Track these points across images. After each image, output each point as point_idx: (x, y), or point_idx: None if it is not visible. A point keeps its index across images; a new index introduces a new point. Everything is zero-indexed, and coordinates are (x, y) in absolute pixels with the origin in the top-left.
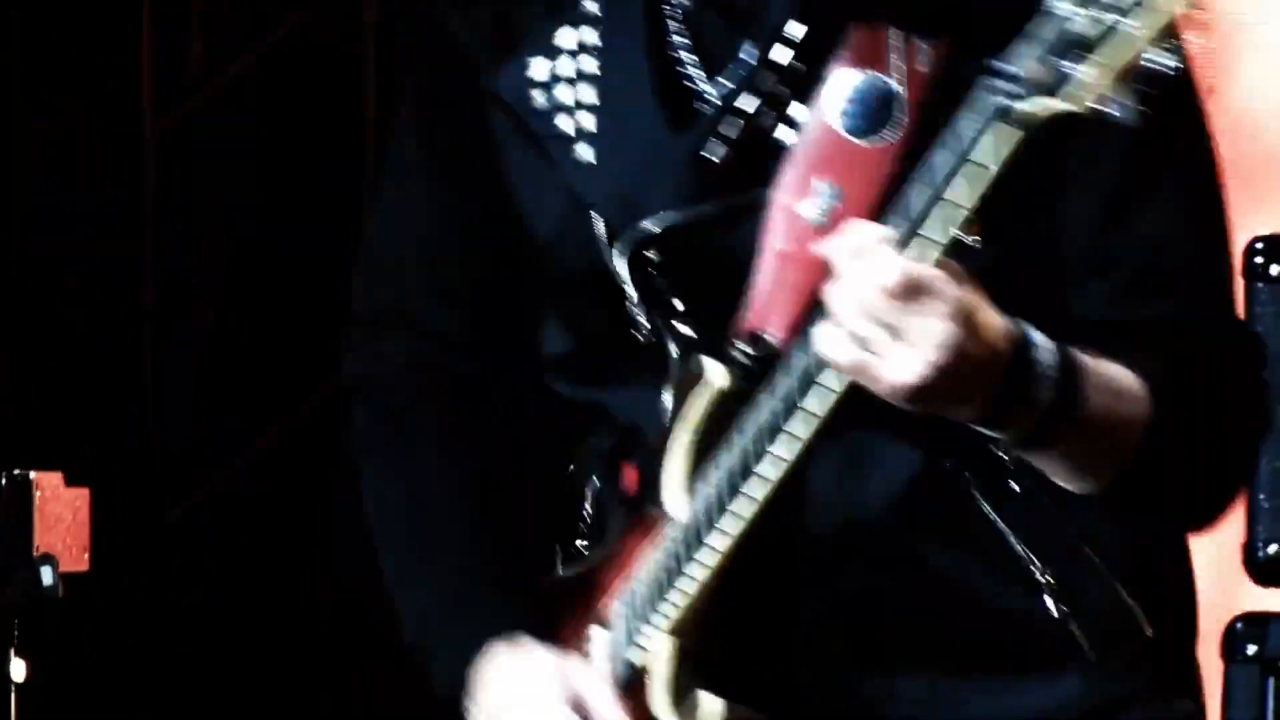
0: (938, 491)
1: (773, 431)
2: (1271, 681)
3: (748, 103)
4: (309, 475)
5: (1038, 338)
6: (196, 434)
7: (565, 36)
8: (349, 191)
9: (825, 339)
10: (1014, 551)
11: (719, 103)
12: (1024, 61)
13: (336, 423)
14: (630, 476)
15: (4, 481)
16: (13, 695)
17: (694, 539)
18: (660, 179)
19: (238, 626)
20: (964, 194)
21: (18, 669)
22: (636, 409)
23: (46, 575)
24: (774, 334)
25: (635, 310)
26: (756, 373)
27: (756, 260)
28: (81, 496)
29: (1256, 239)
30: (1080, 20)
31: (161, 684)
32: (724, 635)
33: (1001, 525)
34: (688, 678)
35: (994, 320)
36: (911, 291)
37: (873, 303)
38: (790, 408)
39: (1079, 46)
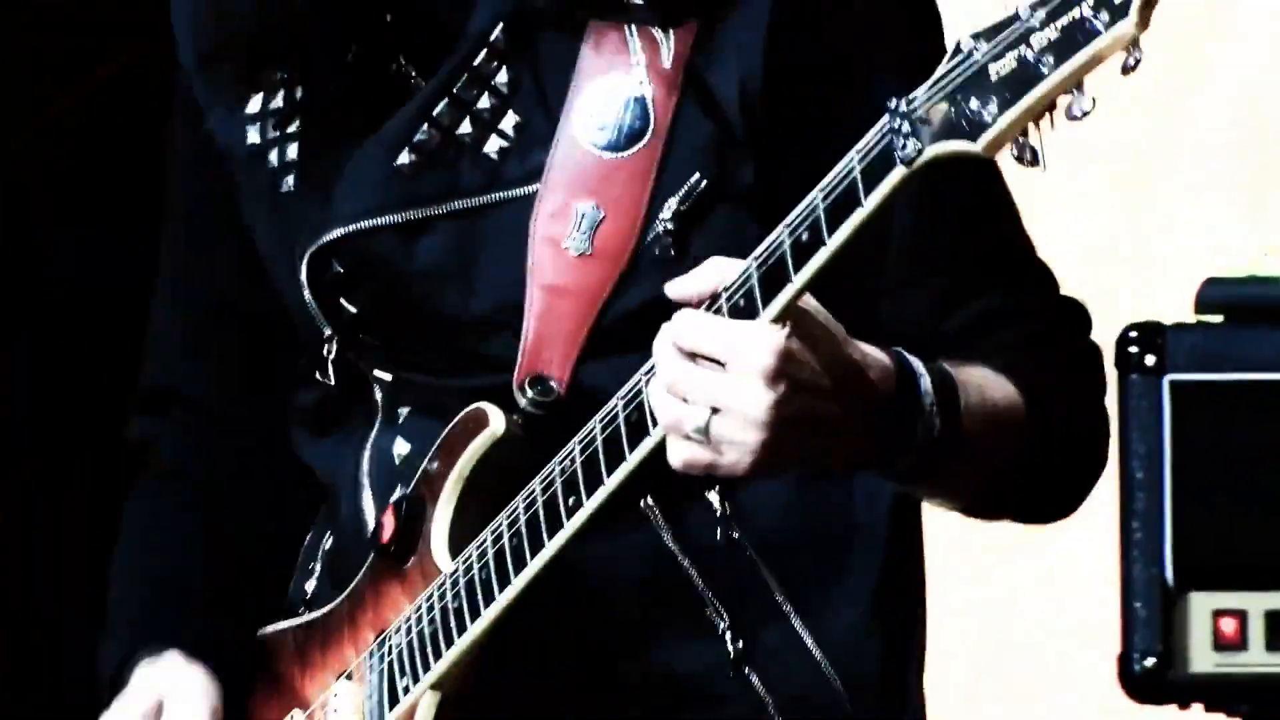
0: (639, 536)
1: (591, 483)
2: None
3: (454, 105)
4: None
5: (917, 366)
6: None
7: (272, 76)
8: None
9: (669, 446)
10: (707, 607)
11: (427, 96)
12: (929, 105)
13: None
14: (388, 524)
15: None
16: None
17: (473, 593)
18: (350, 192)
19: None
20: (842, 237)
21: None
22: (333, 460)
23: None
24: (554, 377)
25: (328, 345)
26: (539, 419)
27: (512, 280)
28: None
29: (1129, 327)
30: (1000, 62)
31: None
32: (484, 689)
33: (699, 583)
34: None
35: (860, 356)
36: (716, 361)
37: (684, 384)
38: (615, 458)
39: (993, 88)
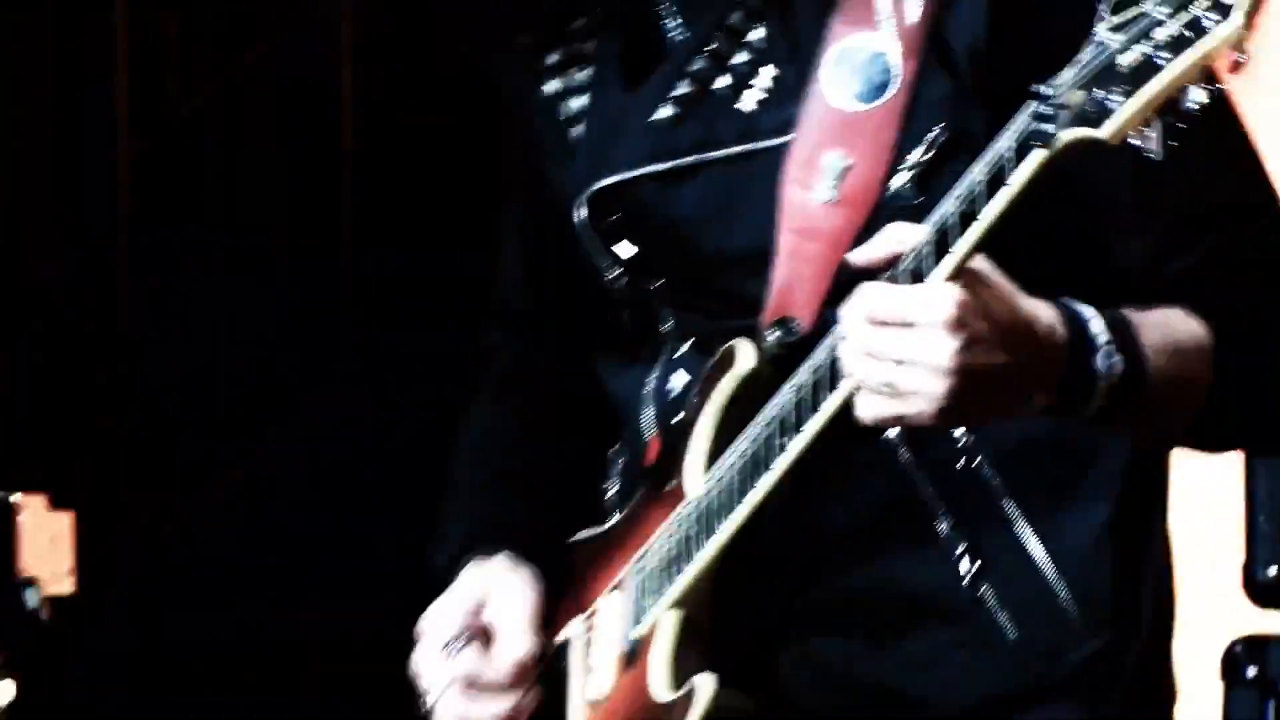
0: (881, 470)
1: (794, 428)
2: (1271, 704)
3: (701, 66)
4: (293, 495)
5: (1087, 313)
6: (182, 456)
7: (576, 23)
8: (324, 212)
9: (856, 402)
10: (944, 527)
11: (684, 56)
12: (1068, 91)
13: (314, 440)
14: (653, 449)
15: None
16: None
17: (708, 518)
18: (618, 143)
19: (225, 646)
20: (994, 211)
21: (5, 690)
22: (626, 386)
23: (30, 598)
24: (799, 320)
25: (618, 282)
26: (784, 358)
27: (764, 225)
28: (65, 519)
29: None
30: (1127, 54)
31: (148, 705)
32: (721, 614)
33: (937, 505)
34: (686, 654)
35: (1030, 307)
36: (904, 320)
37: (871, 343)
38: (814, 407)
39: (1121, 79)
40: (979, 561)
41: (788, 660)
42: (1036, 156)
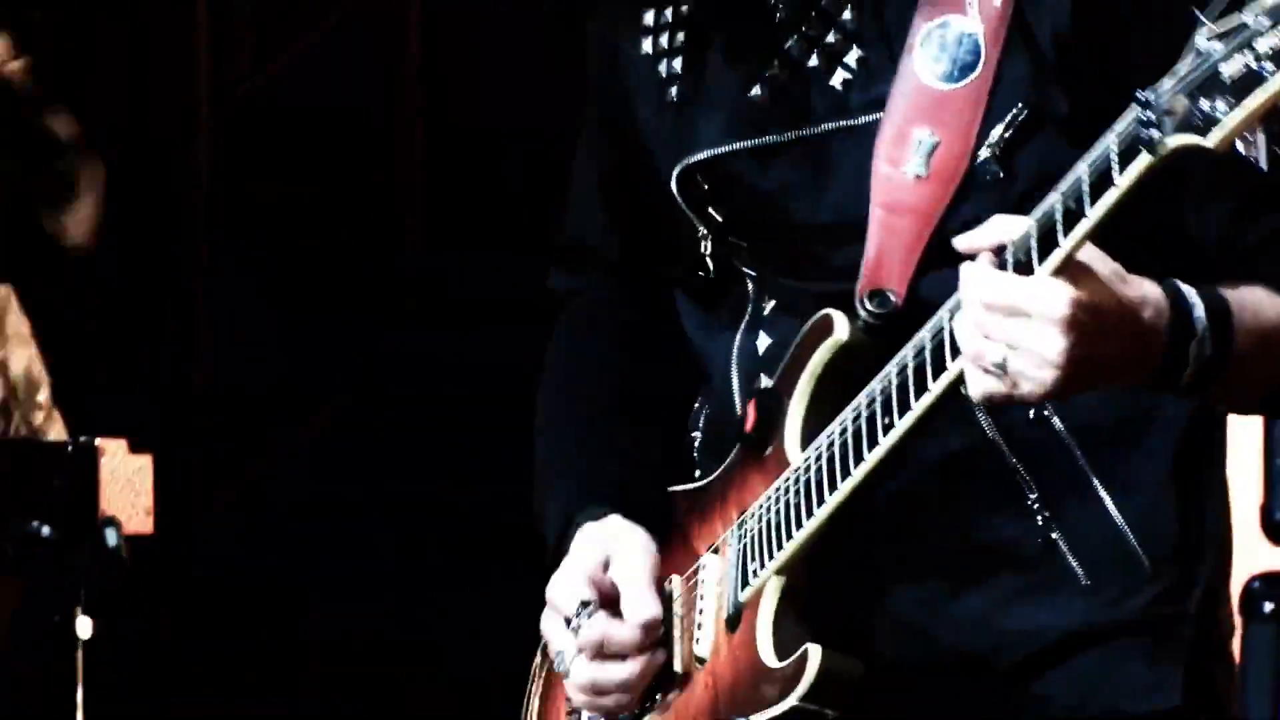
0: (958, 428)
1: (901, 405)
2: None
3: (794, 44)
4: (368, 445)
5: (1193, 298)
6: (260, 404)
7: None
8: (393, 174)
9: (968, 379)
10: (1017, 479)
11: (779, 39)
12: (1171, 97)
13: (390, 391)
14: (750, 414)
15: (70, 447)
16: (79, 653)
17: (814, 488)
18: (713, 117)
19: (299, 589)
20: (1100, 211)
21: (84, 628)
22: (710, 342)
23: (110, 537)
24: (893, 291)
25: (705, 243)
26: (878, 328)
27: (858, 197)
28: (145, 462)
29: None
30: (1230, 64)
31: (224, 644)
32: (819, 579)
33: (1010, 458)
34: (790, 621)
35: (1138, 295)
36: (1019, 310)
37: (987, 326)
38: (920, 386)
39: (1224, 88)
40: (1049, 512)
41: (870, 618)
42: (1144, 161)
